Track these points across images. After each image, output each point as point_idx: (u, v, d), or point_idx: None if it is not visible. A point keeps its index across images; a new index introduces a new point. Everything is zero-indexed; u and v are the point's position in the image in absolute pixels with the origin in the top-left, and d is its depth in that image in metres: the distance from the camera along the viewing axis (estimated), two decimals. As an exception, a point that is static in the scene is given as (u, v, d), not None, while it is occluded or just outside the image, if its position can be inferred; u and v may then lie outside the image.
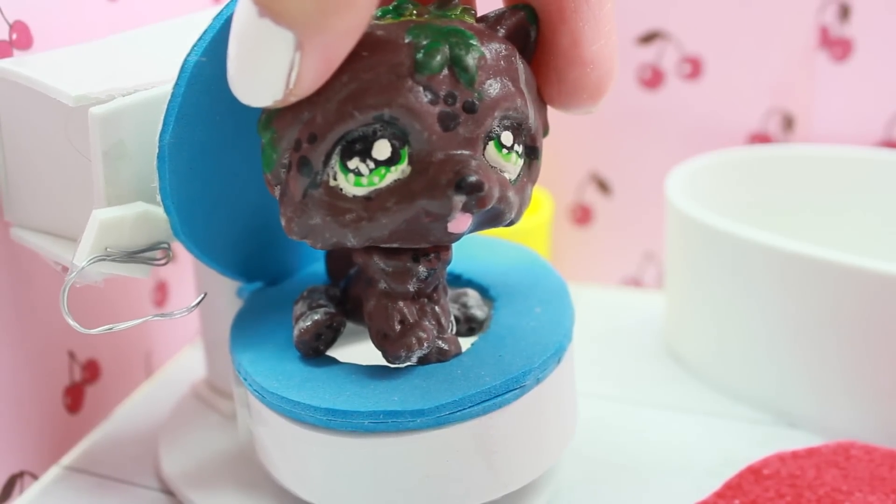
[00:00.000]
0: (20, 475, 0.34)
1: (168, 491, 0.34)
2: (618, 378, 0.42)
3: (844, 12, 0.46)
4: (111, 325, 0.29)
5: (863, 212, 0.47)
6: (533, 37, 0.27)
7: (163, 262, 0.30)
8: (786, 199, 0.48)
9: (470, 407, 0.27)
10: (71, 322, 0.28)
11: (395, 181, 0.25)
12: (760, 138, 0.49)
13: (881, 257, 0.36)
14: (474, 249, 0.35)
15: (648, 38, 0.49)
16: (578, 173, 0.52)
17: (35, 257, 0.34)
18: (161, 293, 0.43)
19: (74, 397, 0.37)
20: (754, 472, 0.32)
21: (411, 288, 0.28)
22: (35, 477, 0.35)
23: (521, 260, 0.34)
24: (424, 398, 0.27)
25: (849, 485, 0.31)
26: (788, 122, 0.49)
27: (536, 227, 0.48)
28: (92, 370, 0.39)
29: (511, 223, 0.28)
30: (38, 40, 0.33)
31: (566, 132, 0.49)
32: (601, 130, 0.51)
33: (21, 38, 0.33)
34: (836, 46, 0.47)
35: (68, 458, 0.36)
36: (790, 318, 0.37)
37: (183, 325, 0.46)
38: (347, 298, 0.31)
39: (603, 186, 0.52)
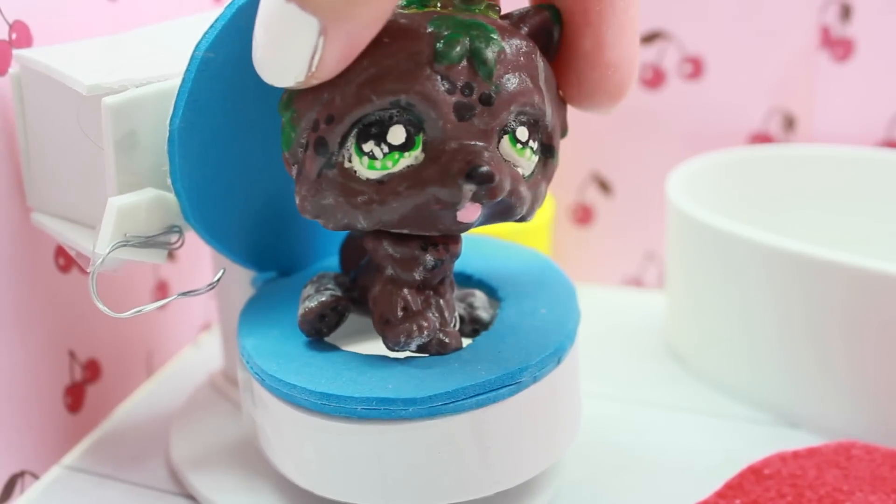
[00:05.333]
0: (21, 475, 0.34)
1: (174, 479, 0.34)
2: (618, 378, 0.42)
3: (846, 12, 0.46)
4: (139, 308, 0.29)
5: (864, 212, 0.47)
6: (556, 37, 0.28)
7: (178, 245, 0.31)
8: (787, 200, 0.48)
9: (463, 399, 0.27)
10: (102, 307, 0.29)
11: (408, 167, 0.26)
12: (761, 138, 0.49)
13: (882, 257, 0.36)
14: (487, 251, 0.36)
15: (650, 38, 0.49)
16: (579, 173, 0.52)
17: (35, 257, 0.35)
18: (161, 293, 0.43)
19: (75, 397, 0.37)
20: (755, 472, 0.32)
21: (417, 276, 0.28)
22: (36, 476, 0.35)
23: (533, 263, 0.35)
24: (418, 387, 0.27)
25: (850, 485, 0.31)
26: (789, 122, 0.48)
27: (537, 227, 0.48)
28: (93, 370, 0.39)
29: (522, 219, 0.28)
30: (38, 40, 0.33)
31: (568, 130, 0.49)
32: (602, 130, 0.51)
33: (20, 37, 0.33)
34: (838, 46, 0.47)
35: (69, 458, 0.37)
36: (791, 317, 0.37)
37: (183, 324, 0.46)
38: (355, 287, 0.31)
39: (604, 186, 0.52)
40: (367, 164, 0.26)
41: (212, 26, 0.28)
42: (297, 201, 0.27)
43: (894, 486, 0.31)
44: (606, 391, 0.41)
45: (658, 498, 0.33)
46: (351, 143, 0.26)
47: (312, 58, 0.23)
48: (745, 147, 0.49)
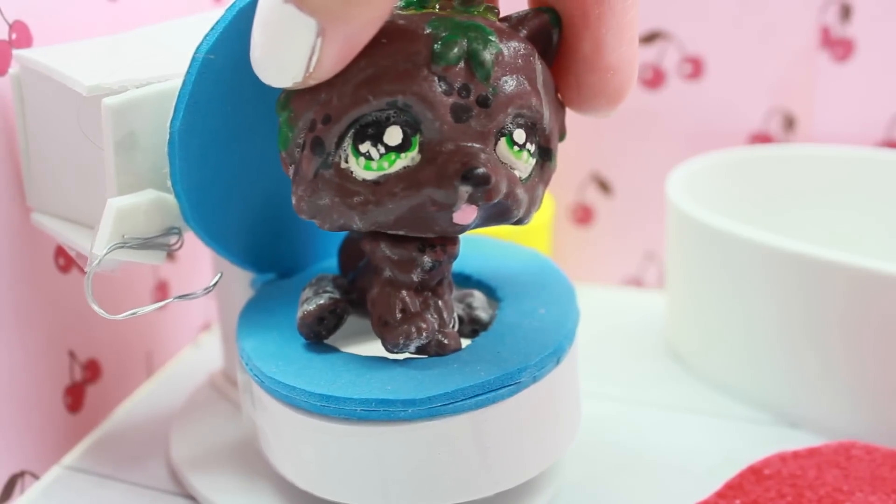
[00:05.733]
0: (21, 475, 0.34)
1: (173, 479, 0.34)
2: (618, 378, 0.42)
3: (846, 12, 0.46)
4: (135, 310, 0.29)
5: (864, 212, 0.47)
6: (555, 40, 0.28)
7: (177, 246, 0.31)
8: (787, 200, 0.48)
9: (463, 400, 0.27)
10: (96, 308, 0.29)
11: (404, 168, 0.25)
12: (761, 138, 0.49)
13: (882, 257, 0.36)
14: (486, 251, 0.35)
15: (650, 38, 0.49)
16: (579, 173, 0.52)
17: (35, 257, 0.35)
18: (161, 293, 0.43)
19: (75, 397, 0.37)
20: (755, 472, 0.32)
21: (415, 278, 0.28)
22: (36, 477, 0.35)
23: (532, 263, 0.35)
24: (417, 389, 0.27)
25: (850, 485, 0.31)
26: (789, 123, 0.48)
27: (537, 227, 0.48)
28: (93, 370, 0.39)
29: (519, 222, 0.28)
30: (38, 40, 0.33)
31: (567, 132, 0.49)
32: (602, 131, 0.51)
33: (20, 37, 0.33)
34: (838, 46, 0.47)
35: (69, 458, 0.37)
36: (791, 317, 0.37)
37: (183, 325, 0.46)
38: (354, 289, 0.31)
39: (604, 186, 0.52)
40: (364, 165, 0.26)
41: (212, 28, 0.28)
42: (294, 201, 0.27)
43: (894, 486, 0.31)
44: (606, 391, 0.41)
45: (658, 498, 0.33)
46: (348, 143, 0.26)
47: (310, 58, 0.23)
48: (745, 147, 0.49)
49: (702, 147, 0.49)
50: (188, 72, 0.28)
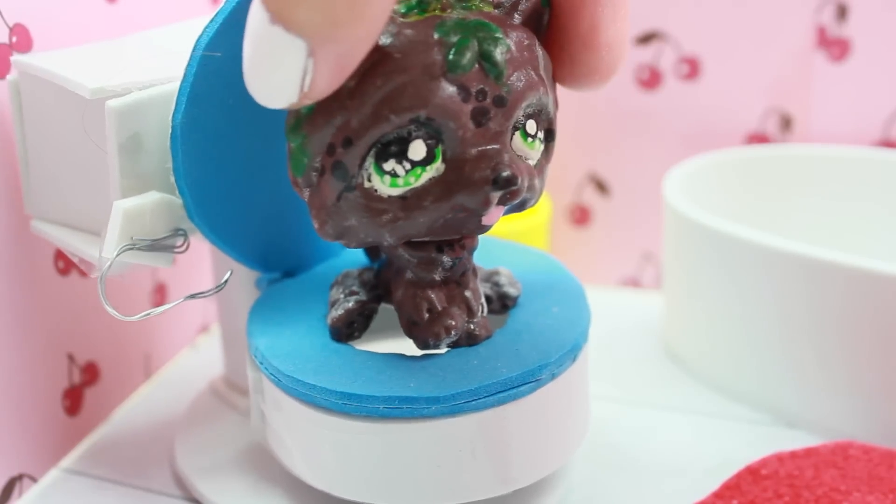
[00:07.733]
0: (19, 478, 0.34)
1: (172, 482, 0.34)
2: (616, 378, 0.42)
3: (842, 12, 0.46)
4: (148, 311, 0.29)
5: (860, 212, 0.47)
6: (545, 21, 0.28)
7: (183, 248, 0.31)
8: (783, 200, 0.48)
9: (485, 397, 0.27)
10: (110, 310, 0.29)
11: (431, 179, 0.26)
12: (758, 138, 0.49)
13: (879, 257, 0.36)
14: (495, 251, 0.36)
15: (646, 38, 0.49)
16: (577, 174, 0.52)
17: (34, 260, 0.35)
18: (160, 295, 0.43)
19: (73, 400, 0.37)
20: (752, 473, 0.32)
21: (437, 277, 0.28)
22: (34, 479, 0.35)
23: (541, 264, 0.35)
24: (440, 386, 0.27)
25: (847, 485, 0.31)
26: (786, 123, 0.49)
27: (535, 228, 0.48)
28: (91, 373, 0.39)
29: (531, 206, 0.28)
30: (38, 43, 0.33)
31: (564, 133, 0.49)
32: (599, 131, 0.51)
33: (21, 40, 0.33)
34: (834, 46, 0.47)
35: (67, 461, 0.37)
36: (788, 318, 0.37)
37: (181, 327, 0.46)
38: (380, 283, 0.31)
39: (601, 187, 0.52)
40: (390, 183, 0.26)
41: (212, 21, 0.28)
42: (316, 225, 0.27)
43: (891, 485, 0.31)
44: (604, 392, 0.41)
45: (656, 498, 0.33)
46: (370, 163, 0.26)
47: (304, 79, 0.22)
48: (742, 147, 0.49)
49: (699, 147, 0.49)
50: (188, 65, 0.28)
